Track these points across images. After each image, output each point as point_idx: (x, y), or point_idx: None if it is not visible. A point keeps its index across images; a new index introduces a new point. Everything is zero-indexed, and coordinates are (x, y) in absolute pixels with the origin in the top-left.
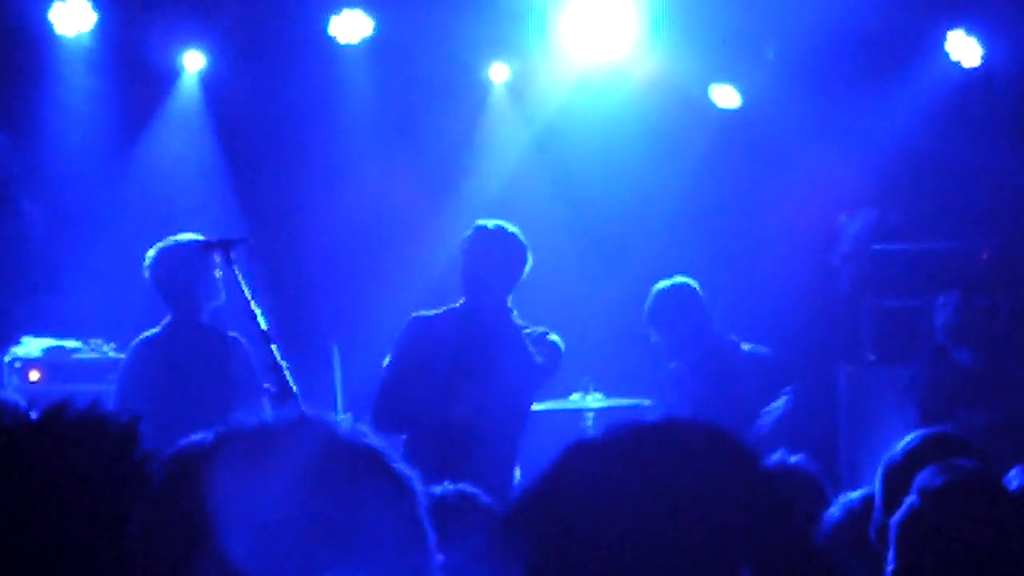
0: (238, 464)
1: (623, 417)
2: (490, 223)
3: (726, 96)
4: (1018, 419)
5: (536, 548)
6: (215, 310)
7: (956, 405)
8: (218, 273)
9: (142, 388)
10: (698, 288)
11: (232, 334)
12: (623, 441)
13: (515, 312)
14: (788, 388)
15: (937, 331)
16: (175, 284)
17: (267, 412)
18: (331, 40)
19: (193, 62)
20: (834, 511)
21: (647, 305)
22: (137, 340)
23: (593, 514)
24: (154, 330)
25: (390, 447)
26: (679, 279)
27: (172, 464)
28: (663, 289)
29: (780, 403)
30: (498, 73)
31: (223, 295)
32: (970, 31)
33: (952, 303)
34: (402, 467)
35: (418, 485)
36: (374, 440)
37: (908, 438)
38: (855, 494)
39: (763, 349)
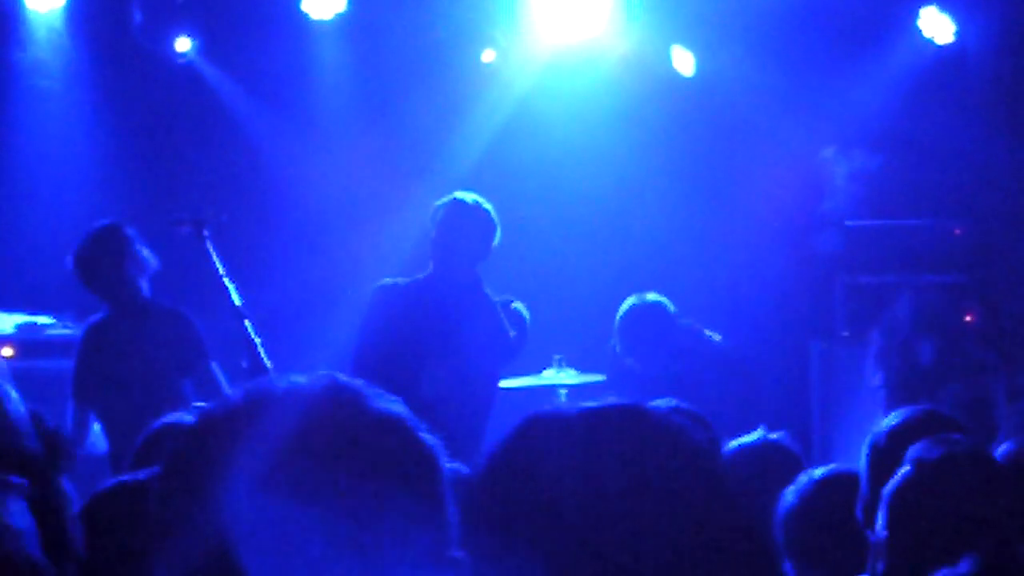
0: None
1: (588, 395)
2: (461, 195)
3: (684, 60)
4: (980, 400)
5: (493, 520)
6: (181, 285)
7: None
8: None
9: (93, 375)
10: (664, 302)
11: (176, 308)
12: (586, 419)
13: (484, 284)
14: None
15: (899, 324)
16: (101, 274)
17: (220, 380)
18: (303, 16)
19: (182, 44)
20: (791, 492)
21: (616, 327)
22: (84, 325)
23: (548, 491)
24: (99, 314)
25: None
26: (640, 298)
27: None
28: (626, 313)
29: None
30: (472, 51)
31: (153, 264)
32: (943, 7)
33: (910, 296)
34: (428, 446)
35: (442, 467)
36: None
37: (894, 416)
38: (818, 471)
39: (717, 338)
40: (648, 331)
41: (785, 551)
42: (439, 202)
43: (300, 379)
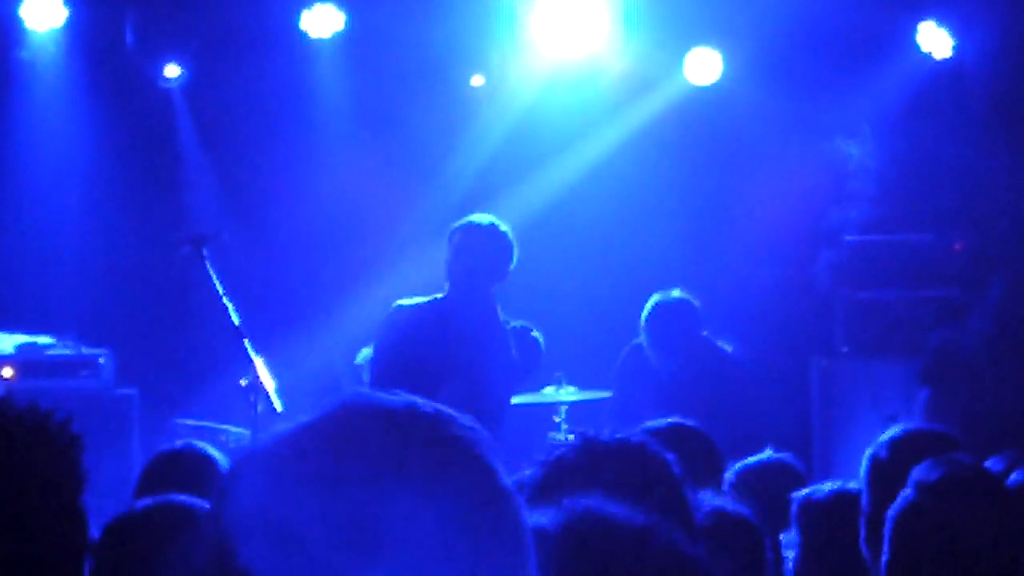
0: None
1: (588, 412)
2: (481, 218)
3: (703, 66)
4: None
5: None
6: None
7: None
8: None
9: None
10: (694, 302)
11: None
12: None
13: (499, 307)
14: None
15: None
16: None
17: None
18: (302, 35)
19: (171, 67)
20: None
21: (646, 316)
22: None
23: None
24: None
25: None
26: (677, 294)
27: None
28: (663, 304)
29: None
30: (472, 68)
31: None
32: (941, 23)
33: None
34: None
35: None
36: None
37: (891, 431)
38: (825, 487)
39: (729, 348)
40: (679, 326)
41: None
42: (456, 224)
43: (383, 396)
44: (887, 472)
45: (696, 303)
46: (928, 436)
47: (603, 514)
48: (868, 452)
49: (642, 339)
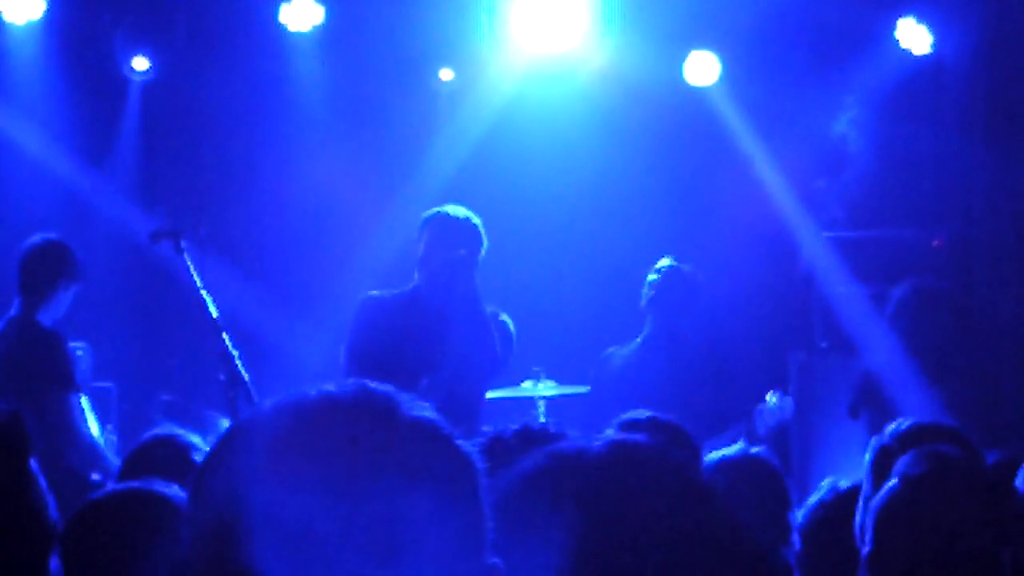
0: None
1: (567, 406)
2: (447, 208)
3: (701, 67)
4: (956, 404)
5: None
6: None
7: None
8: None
9: None
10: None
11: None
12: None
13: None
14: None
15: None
16: (33, 278)
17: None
18: (281, 28)
19: (141, 60)
20: (813, 503)
21: (655, 278)
22: None
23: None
24: None
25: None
26: (686, 266)
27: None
28: (678, 270)
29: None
30: (450, 62)
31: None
32: (920, 19)
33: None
34: (466, 451)
35: (479, 475)
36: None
37: (897, 423)
38: (815, 496)
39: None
40: (683, 295)
41: (801, 562)
42: (425, 215)
43: (330, 387)
44: (892, 464)
45: (702, 278)
46: (936, 429)
47: (635, 440)
48: (873, 443)
49: (645, 294)
